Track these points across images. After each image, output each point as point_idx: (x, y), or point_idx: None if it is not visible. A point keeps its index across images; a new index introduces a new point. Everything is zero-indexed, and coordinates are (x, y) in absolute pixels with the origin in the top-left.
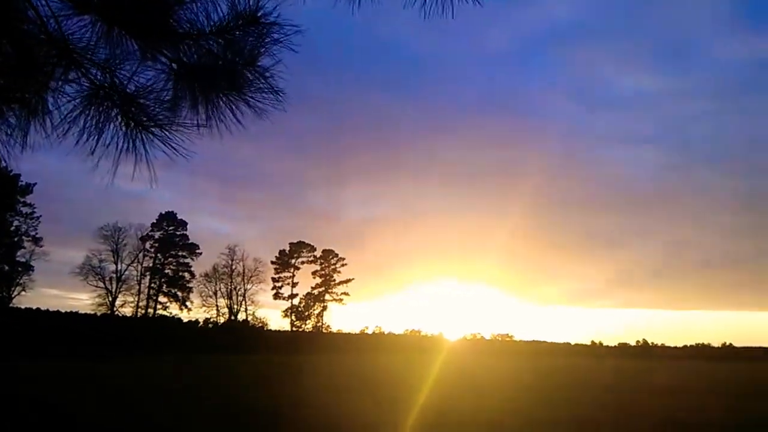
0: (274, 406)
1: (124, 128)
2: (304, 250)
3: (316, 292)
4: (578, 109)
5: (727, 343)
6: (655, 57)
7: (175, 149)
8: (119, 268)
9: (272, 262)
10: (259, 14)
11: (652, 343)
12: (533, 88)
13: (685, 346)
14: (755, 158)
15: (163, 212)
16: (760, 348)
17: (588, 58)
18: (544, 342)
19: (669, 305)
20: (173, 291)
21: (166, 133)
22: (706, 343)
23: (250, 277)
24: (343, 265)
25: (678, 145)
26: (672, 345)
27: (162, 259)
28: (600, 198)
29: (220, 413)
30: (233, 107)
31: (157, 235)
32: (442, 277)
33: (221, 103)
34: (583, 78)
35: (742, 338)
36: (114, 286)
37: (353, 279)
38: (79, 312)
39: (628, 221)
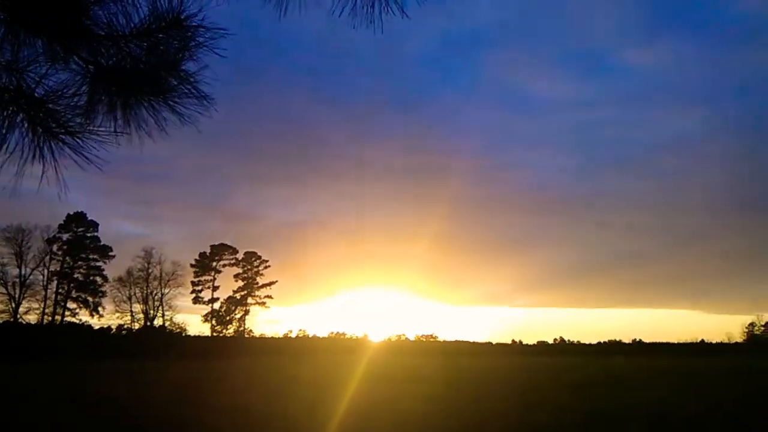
0: (190, 412)
1: (30, 135)
2: (226, 253)
3: (238, 295)
4: (494, 113)
5: (637, 339)
6: (567, 64)
7: (87, 158)
8: (23, 272)
9: (192, 265)
10: (182, 16)
11: (569, 340)
12: (450, 92)
13: (599, 343)
14: (655, 162)
15: (72, 213)
16: (665, 343)
17: (504, 64)
18: (467, 341)
19: (582, 303)
20: (83, 296)
21: (78, 140)
22: (617, 339)
23: (168, 281)
24: (266, 268)
25: (586, 149)
26: (586, 342)
27: (71, 263)
28: (515, 201)
29: (129, 423)
30: (155, 113)
31: (65, 237)
32: (366, 282)
33: (142, 108)
34: (498, 83)
35: (650, 334)
36: (17, 291)
37: (277, 281)
38: None
39: (543, 223)
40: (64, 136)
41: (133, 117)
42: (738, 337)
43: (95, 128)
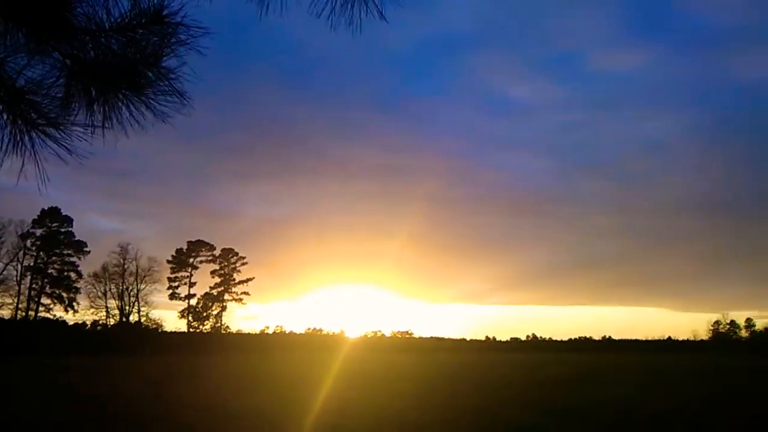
0: (164, 409)
1: (10, 126)
2: (203, 249)
3: (214, 292)
4: (471, 115)
5: (607, 336)
6: (543, 68)
7: (68, 149)
8: None
9: (168, 261)
10: (164, 13)
11: (541, 337)
12: (428, 93)
13: (570, 339)
14: (626, 165)
15: (46, 208)
16: (634, 340)
17: (481, 67)
18: (443, 338)
19: (554, 302)
20: (57, 292)
21: (59, 132)
22: (588, 336)
23: (144, 276)
24: (243, 264)
25: (560, 152)
26: (558, 338)
27: (45, 258)
28: (491, 202)
29: (99, 419)
30: (133, 108)
31: (39, 232)
32: (343, 280)
33: (120, 103)
34: (476, 86)
35: (620, 331)
36: None
37: (254, 278)
38: None
39: (517, 224)
40: (45, 128)
41: (112, 111)
42: (704, 334)
43: (75, 121)
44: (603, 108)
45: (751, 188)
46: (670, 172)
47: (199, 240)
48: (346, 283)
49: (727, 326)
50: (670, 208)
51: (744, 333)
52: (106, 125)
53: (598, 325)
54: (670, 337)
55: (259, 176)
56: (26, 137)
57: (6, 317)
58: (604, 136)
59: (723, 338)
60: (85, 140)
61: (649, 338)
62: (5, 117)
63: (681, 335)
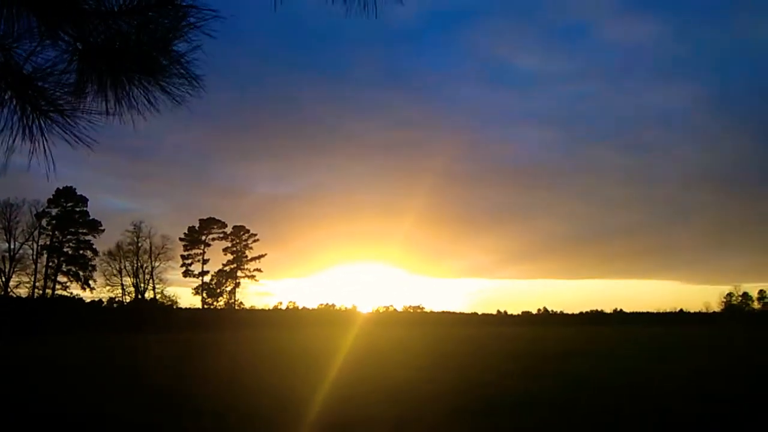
0: (183, 384)
1: (19, 113)
2: (215, 227)
3: (227, 269)
4: (479, 88)
5: (618, 309)
6: (551, 38)
7: (77, 137)
8: (12, 246)
9: (181, 239)
10: None
11: (552, 310)
12: (434, 66)
13: (581, 313)
14: (638, 136)
15: (61, 188)
16: (645, 313)
17: (489, 38)
18: (453, 312)
19: (565, 275)
20: (74, 270)
21: (68, 119)
22: (599, 309)
23: (158, 254)
24: (255, 241)
25: (570, 123)
26: (569, 312)
27: (60, 237)
28: (499, 175)
29: (124, 393)
30: (146, 93)
31: (54, 211)
32: (354, 257)
33: (133, 87)
34: (484, 58)
35: (631, 304)
36: (7, 265)
37: (265, 255)
38: None
39: (527, 197)
40: (53, 114)
41: (124, 96)
42: (716, 306)
43: (86, 107)
44: (614, 79)
45: (765, 159)
46: (683, 143)
47: (210, 218)
48: (357, 260)
49: (740, 298)
50: (683, 180)
51: (757, 305)
52: (119, 110)
53: (610, 298)
54: (682, 310)
55: (268, 153)
56: (35, 125)
57: (23, 295)
58: (615, 107)
59: (735, 310)
60: (98, 126)
61: (661, 311)
62: (14, 104)
63: (693, 308)
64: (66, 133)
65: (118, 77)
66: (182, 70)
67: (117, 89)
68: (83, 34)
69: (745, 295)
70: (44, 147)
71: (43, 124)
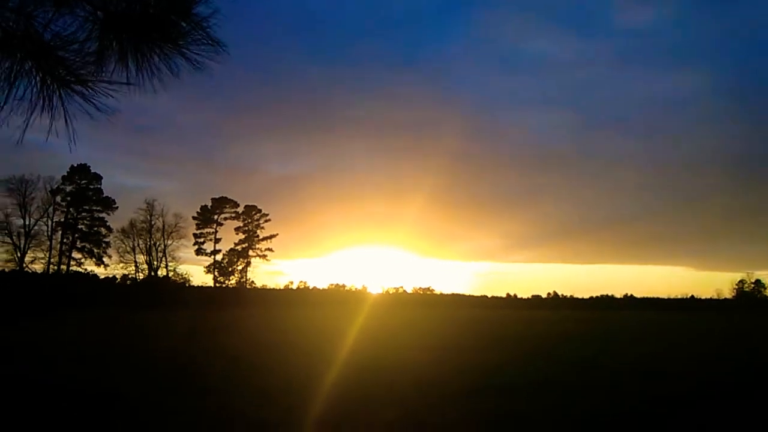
0: (193, 362)
1: (39, 83)
2: (227, 206)
3: (239, 248)
4: (490, 71)
5: (629, 294)
6: (563, 22)
7: (97, 107)
8: (27, 222)
9: (194, 218)
10: None
11: (562, 295)
12: (445, 48)
13: (591, 297)
14: (650, 121)
15: (75, 165)
16: (655, 299)
17: (501, 21)
18: (463, 295)
19: (577, 259)
20: (88, 247)
21: (89, 89)
22: (609, 294)
23: (171, 232)
24: (266, 221)
25: (582, 107)
26: (579, 296)
27: (75, 214)
28: (510, 158)
29: (143, 368)
30: (167, 60)
31: (68, 188)
32: (363, 241)
33: (154, 55)
34: (495, 40)
35: (642, 289)
36: (22, 241)
37: (277, 234)
38: None
39: (537, 180)
40: (75, 85)
41: (145, 64)
42: (727, 293)
43: (107, 77)
44: (627, 62)
45: None
46: (695, 128)
47: (222, 197)
48: (368, 242)
49: (752, 285)
50: (695, 165)
51: None
52: (141, 78)
53: (620, 283)
54: (692, 296)
55: (280, 133)
56: (56, 96)
57: (39, 271)
58: (628, 90)
59: (747, 297)
60: (119, 95)
61: (672, 297)
62: (35, 74)
63: (704, 294)
64: (88, 103)
65: (139, 45)
66: (204, 35)
67: (138, 57)
68: (104, 2)
69: (758, 282)
70: (65, 118)
71: (63, 95)
